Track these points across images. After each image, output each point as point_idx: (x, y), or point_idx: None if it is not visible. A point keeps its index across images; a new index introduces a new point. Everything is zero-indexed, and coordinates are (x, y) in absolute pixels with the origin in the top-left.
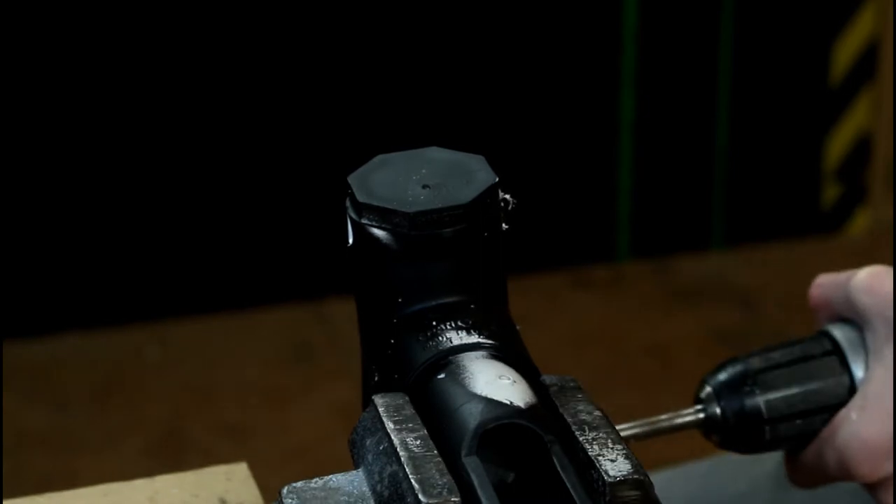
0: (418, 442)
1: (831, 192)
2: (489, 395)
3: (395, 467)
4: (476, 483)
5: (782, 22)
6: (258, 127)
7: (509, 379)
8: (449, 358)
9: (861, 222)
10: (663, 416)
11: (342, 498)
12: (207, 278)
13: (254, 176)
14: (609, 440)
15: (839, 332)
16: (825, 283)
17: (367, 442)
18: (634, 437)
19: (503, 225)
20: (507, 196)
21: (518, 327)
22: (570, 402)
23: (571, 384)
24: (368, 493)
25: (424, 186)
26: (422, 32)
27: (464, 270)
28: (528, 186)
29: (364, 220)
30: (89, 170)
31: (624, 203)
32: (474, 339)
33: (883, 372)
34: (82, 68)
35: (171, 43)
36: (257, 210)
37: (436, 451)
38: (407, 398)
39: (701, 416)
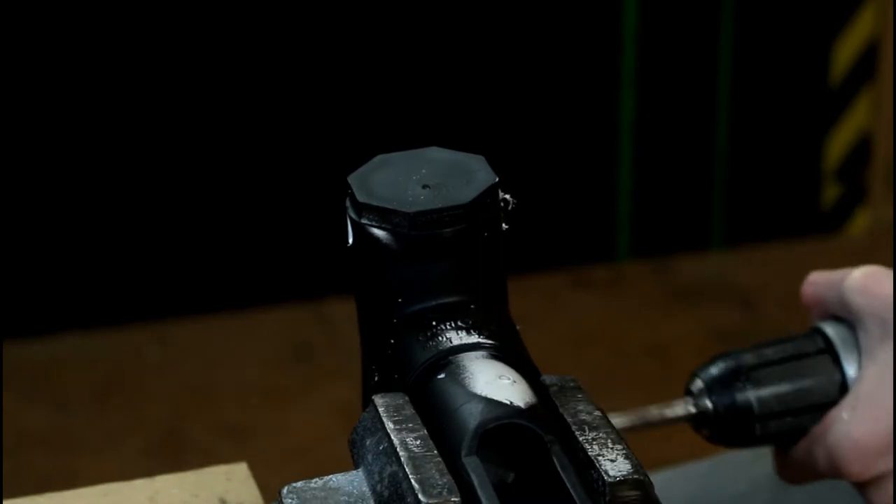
0: (418, 442)
1: (831, 192)
2: (489, 395)
3: (395, 467)
4: (476, 483)
5: (782, 22)
6: (258, 127)
7: (509, 379)
8: (449, 358)
9: (861, 222)
10: (653, 408)
11: (342, 498)
12: (207, 278)
13: (254, 176)
14: (609, 440)
15: (832, 331)
16: (818, 281)
17: (367, 442)
18: (623, 428)
19: (503, 225)
20: (507, 196)
21: (518, 327)
22: (570, 402)
23: (571, 384)
24: (368, 493)
25: (424, 186)
26: (422, 32)
27: (464, 270)
28: (528, 186)
29: (364, 220)
30: (89, 170)
31: (624, 203)
32: (474, 339)
33: (875, 372)
34: (82, 68)
35: (171, 43)
36: (257, 210)
37: (436, 451)
38: (407, 398)
39: (692, 409)
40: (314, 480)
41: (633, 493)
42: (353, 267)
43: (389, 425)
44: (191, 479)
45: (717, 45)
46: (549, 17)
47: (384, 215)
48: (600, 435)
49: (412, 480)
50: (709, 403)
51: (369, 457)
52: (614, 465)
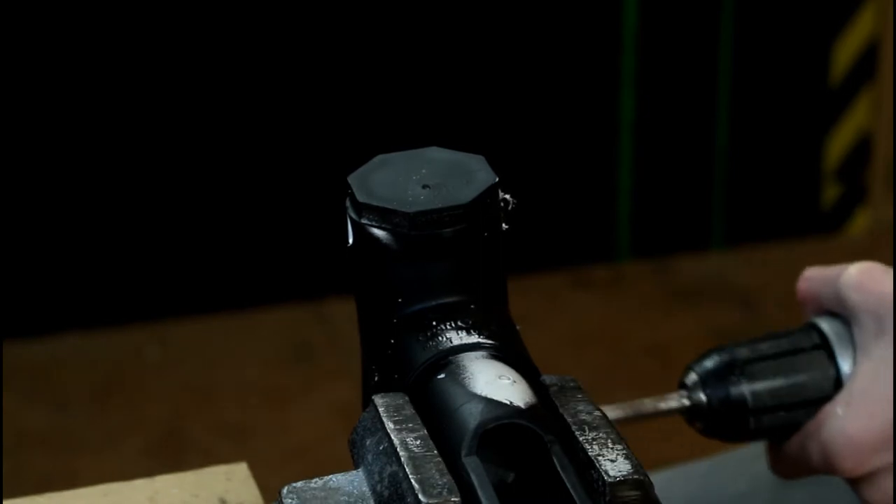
0: (418, 442)
1: (831, 192)
2: (489, 395)
3: (395, 467)
4: (476, 483)
5: (782, 22)
6: (258, 127)
7: (509, 379)
8: (449, 358)
9: (861, 222)
10: (647, 401)
11: (342, 498)
12: (207, 278)
13: (254, 176)
14: (609, 440)
15: (827, 326)
16: (814, 277)
17: (367, 442)
18: (616, 420)
19: (503, 225)
20: (507, 196)
21: (518, 327)
22: (570, 402)
23: (571, 384)
24: (368, 493)
25: (424, 186)
26: (422, 32)
27: (464, 270)
28: (528, 186)
29: (364, 220)
30: (89, 170)
31: (624, 203)
32: (474, 339)
33: (870, 367)
34: (82, 68)
35: (171, 43)
36: (257, 210)
37: (436, 451)
38: (407, 398)
39: (686, 402)
40: (314, 480)
41: (633, 493)
42: (353, 267)
43: (389, 425)
44: (191, 479)
45: (717, 45)
46: (549, 18)
47: (384, 215)
48: (600, 435)
49: (412, 480)
50: (703, 396)
51: (369, 457)
52: (614, 465)
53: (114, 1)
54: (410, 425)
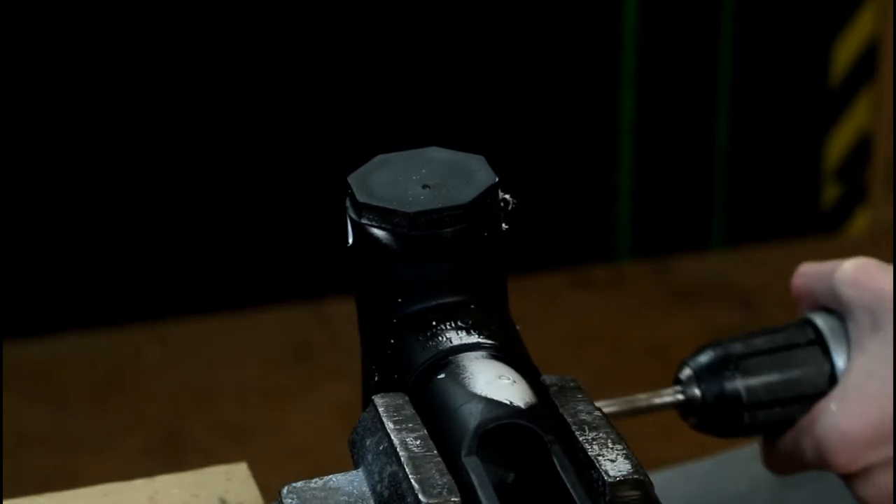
0: (418, 442)
1: (831, 192)
2: (489, 395)
3: (394, 467)
4: (476, 483)
5: (782, 22)
6: (258, 127)
7: (509, 379)
8: (449, 358)
9: (861, 222)
10: (641, 396)
11: (342, 498)
12: (207, 278)
13: (254, 176)
14: (609, 440)
15: (822, 322)
16: (808, 273)
17: (367, 442)
18: (611, 415)
19: (503, 225)
20: (507, 196)
21: (518, 327)
22: (570, 402)
23: (571, 384)
24: (368, 493)
25: (424, 186)
26: (422, 32)
27: (464, 270)
28: (528, 186)
29: (364, 220)
30: (89, 169)
31: (624, 203)
32: (474, 339)
33: (864, 363)
34: (82, 68)
35: (171, 43)
36: (257, 210)
37: (436, 451)
38: (407, 398)
39: (680, 397)
40: (314, 480)
41: (633, 493)
42: (353, 267)
43: (389, 425)
44: (191, 479)
45: (717, 45)
46: (549, 18)
47: (384, 215)
48: (600, 435)
49: (412, 480)
50: (697, 391)
51: (369, 457)
52: (614, 465)
53: (114, 1)
54: (410, 425)
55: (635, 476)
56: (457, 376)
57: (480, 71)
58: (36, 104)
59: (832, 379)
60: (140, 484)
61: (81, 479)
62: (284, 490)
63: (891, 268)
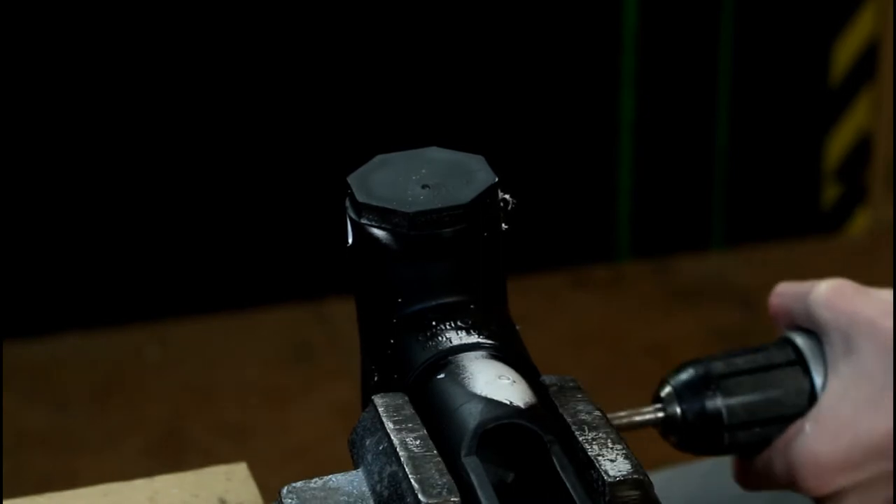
0: (418, 442)
1: (831, 192)
2: (489, 395)
3: (394, 467)
4: (476, 483)
5: (782, 22)
6: (258, 127)
7: (509, 379)
8: (449, 358)
9: (861, 222)
10: (622, 413)
11: (342, 498)
12: (207, 278)
13: (254, 176)
14: (609, 440)
15: (802, 341)
16: (785, 293)
17: (367, 442)
18: None
19: (503, 225)
20: (507, 196)
21: (518, 327)
22: (570, 402)
23: (571, 384)
24: (368, 494)
25: (424, 186)
26: (422, 32)
27: (464, 270)
28: (528, 186)
29: (364, 220)
30: (89, 169)
31: (624, 203)
32: (474, 339)
33: (838, 386)
34: (82, 68)
35: (171, 43)
36: (257, 210)
37: (435, 451)
38: (406, 398)
39: (660, 415)
40: (314, 480)
41: (632, 492)
42: (353, 267)
43: (389, 425)
44: (191, 479)
45: (717, 45)
46: (549, 18)
47: (384, 215)
48: (600, 435)
49: (412, 480)
50: (678, 410)
51: (369, 457)
52: (614, 465)
53: (114, 1)
54: (410, 425)
55: (635, 476)
56: (456, 376)
57: (480, 71)
58: (36, 104)
59: (812, 398)
60: (140, 484)
61: (81, 479)
62: (284, 490)
63: (866, 290)
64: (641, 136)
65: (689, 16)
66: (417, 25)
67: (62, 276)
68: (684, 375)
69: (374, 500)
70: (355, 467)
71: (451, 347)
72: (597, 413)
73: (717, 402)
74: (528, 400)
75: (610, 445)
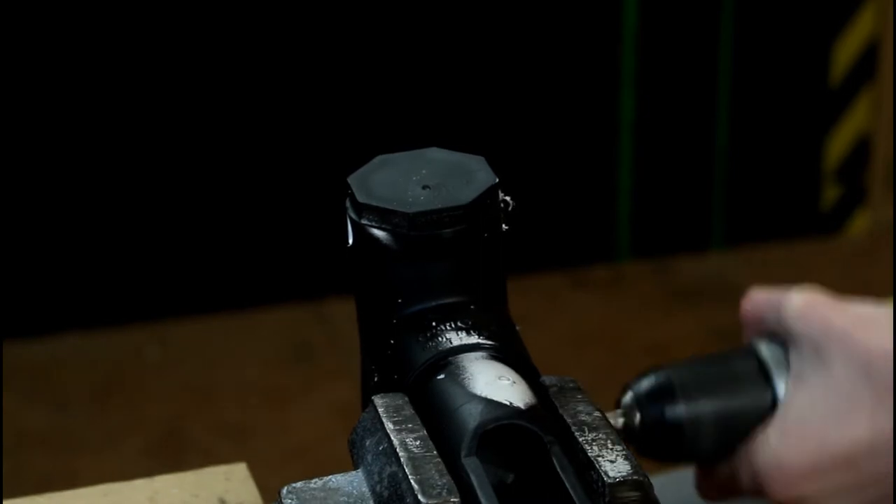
0: (418, 442)
1: (831, 193)
2: (489, 396)
3: (394, 468)
4: (475, 484)
5: (782, 22)
6: (258, 127)
7: (509, 380)
8: (449, 358)
9: (861, 223)
10: None
11: (342, 498)
12: (207, 278)
13: (254, 176)
14: (609, 441)
15: (766, 350)
16: (758, 300)
17: (367, 442)
18: None
19: (503, 225)
20: (507, 197)
21: (518, 327)
22: (570, 402)
23: (571, 385)
24: (368, 494)
25: (424, 187)
26: (422, 32)
27: (464, 271)
28: (528, 186)
29: (364, 221)
30: (89, 169)
31: (624, 203)
32: (474, 339)
33: (806, 395)
34: (82, 68)
35: (171, 43)
36: (257, 210)
37: (435, 452)
38: (406, 399)
39: (620, 420)
40: (314, 481)
41: (632, 493)
42: (353, 267)
43: (389, 426)
44: (191, 479)
45: (717, 45)
46: (549, 17)
47: (384, 216)
48: (600, 436)
49: (412, 481)
50: (638, 417)
51: (369, 457)
52: (614, 465)
53: (114, 1)
54: (410, 426)
55: (635, 477)
56: (456, 377)
57: (480, 71)
58: (36, 104)
59: (773, 408)
60: (140, 484)
61: (81, 479)
62: (284, 490)
63: (839, 303)
64: (641, 136)
65: (689, 16)
66: (417, 25)
67: (62, 276)
68: (646, 383)
69: (374, 501)
70: (355, 467)
71: (451, 348)
72: (597, 414)
73: (676, 411)
74: (528, 401)
75: (610, 446)
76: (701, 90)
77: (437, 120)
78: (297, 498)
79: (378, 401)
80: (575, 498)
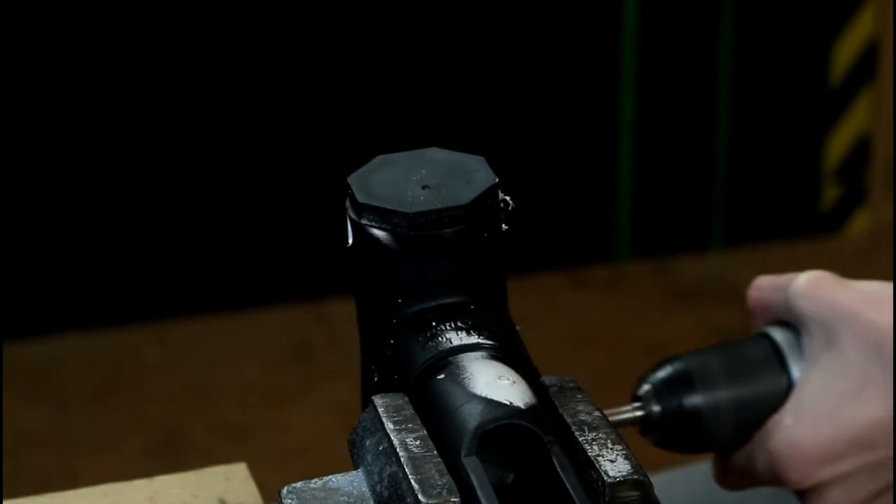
0: (418, 442)
1: (831, 193)
2: (489, 396)
3: (394, 468)
4: (476, 483)
5: (782, 22)
6: (258, 127)
7: (509, 379)
8: (449, 358)
9: (861, 223)
10: None
11: (342, 498)
12: (207, 278)
13: (254, 176)
14: (609, 441)
15: (779, 335)
16: (764, 286)
17: (367, 442)
18: None
19: (503, 225)
20: (507, 197)
21: (518, 327)
22: (570, 402)
23: (571, 385)
24: (368, 494)
25: (424, 187)
26: (422, 32)
27: (464, 271)
28: (528, 186)
29: (364, 221)
30: (89, 169)
31: (624, 203)
32: (474, 339)
33: (820, 378)
34: (82, 68)
35: (171, 43)
36: (257, 210)
37: (435, 452)
38: (406, 398)
39: (639, 413)
40: (314, 481)
41: (632, 493)
42: (353, 267)
43: (389, 426)
44: (191, 479)
45: (717, 45)
46: (549, 18)
47: (384, 216)
48: (600, 435)
49: (412, 481)
50: (656, 408)
51: (369, 457)
52: (614, 465)
53: (114, 1)
54: (410, 426)
55: (635, 476)
56: (456, 377)
57: (480, 71)
58: (36, 104)
59: (789, 393)
60: (140, 484)
61: (81, 479)
62: (284, 490)
63: (846, 281)
64: (641, 136)
65: (689, 16)
66: (417, 25)
67: (62, 276)
68: (662, 373)
69: (374, 501)
70: (355, 467)
71: (452, 348)
72: (597, 413)
73: (695, 399)
74: (528, 400)
75: (610, 446)
76: (701, 90)
77: (437, 120)
78: (297, 498)
79: (378, 401)
80: (575, 498)
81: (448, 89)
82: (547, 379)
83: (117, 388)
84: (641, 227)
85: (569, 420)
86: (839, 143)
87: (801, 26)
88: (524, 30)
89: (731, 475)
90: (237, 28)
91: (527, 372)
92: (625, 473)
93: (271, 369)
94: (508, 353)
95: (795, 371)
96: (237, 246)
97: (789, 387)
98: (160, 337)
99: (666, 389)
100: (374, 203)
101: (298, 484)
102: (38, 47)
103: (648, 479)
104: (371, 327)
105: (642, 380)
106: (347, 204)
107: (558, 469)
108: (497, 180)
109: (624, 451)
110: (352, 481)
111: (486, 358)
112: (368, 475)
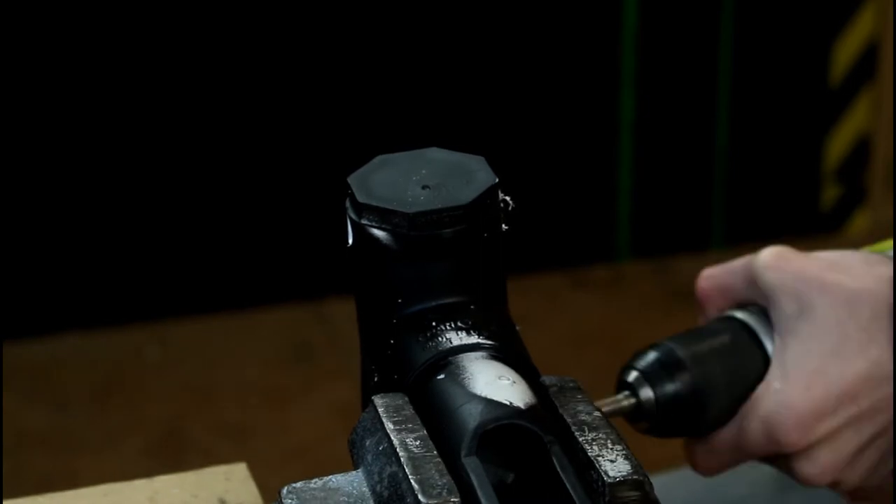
0: (418, 442)
1: (831, 193)
2: (489, 396)
3: (394, 468)
4: (476, 483)
5: (782, 22)
6: (258, 127)
7: (509, 379)
8: (449, 358)
9: (860, 223)
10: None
11: (342, 498)
12: (207, 278)
13: (254, 176)
14: (609, 441)
15: (743, 315)
16: (716, 274)
17: (367, 442)
18: None
19: (503, 225)
20: (507, 197)
21: (518, 327)
22: (570, 402)
23: (571, 385)
24: (368, 494)
25: (424, 187)
26: (422, 32)
27: (464, 271)
28: (528, 186)
29: (364, 221)
30: (89, 169)
31: (624, 203)
32: (474, 339)
33: (800, 345)
34: (82, 68)
35: (171, 43)
36: (257, 210)
37: (435, 452)
38: (406, 398)
39: (632, 401)
40: (314, 481)
41: (632, 493)
42: (353, 267)
43: (389, 426)
44: (191, 479)
45: (717, 45)
46: (549, 18)
47: (384, 216)
48: (600, 435)
49: (412, 481)
50: (649, 393)
51: (369, 457)
52: (614, 465)
53: (114, 1)
54: (410, 426)
55: (635, 476)
56: (456, 377)
57: (480, 71)
58: (36, 104)
59: (767, 366)
60: (140, 484)
61: (81, 479)
62: (284, 490)
63: (806, 253)
64: (641, 136)
65: (689, 16)
66: (417, 25)
67: (62, 276)
68: (650, 357)
69: (374, 501)
70: (355, 467)
71: (452, 348)
72: (597, 414)
73: (688, 380)
74: (528, 400)
75: (610, 446)
76: (701, 90)
77: (437, 120)
78: (297, 498)
79: (378, 401)
80: (575, 498)
81: (448, 89)
82: (547, 379)
83: (117, 388)
84: (641, 227)
85: (569, 420)
86: (839, 143)
87: (801, 26)
88: (524, 30)
89: (715, 456)
90: (237, 28)
91: (527, 372)
92: (625, 473)
93: (271, 369)
94: (508, 353)
95: (768, 344)
96: (237, 246)
97: (765, 360)
98: (160, 337)
99: (657, 373)
100: (374, 203)
101: (298, 484)
102: (38, 47)
103: (648, 479)
104: (371, 327)
105: (629, 367)
106: (347, 204)
107: (558, 469)
108: (497, 180)
109: (624, 451)
110: (352, 481)
111: (486, 358)
112: (368, 475)
